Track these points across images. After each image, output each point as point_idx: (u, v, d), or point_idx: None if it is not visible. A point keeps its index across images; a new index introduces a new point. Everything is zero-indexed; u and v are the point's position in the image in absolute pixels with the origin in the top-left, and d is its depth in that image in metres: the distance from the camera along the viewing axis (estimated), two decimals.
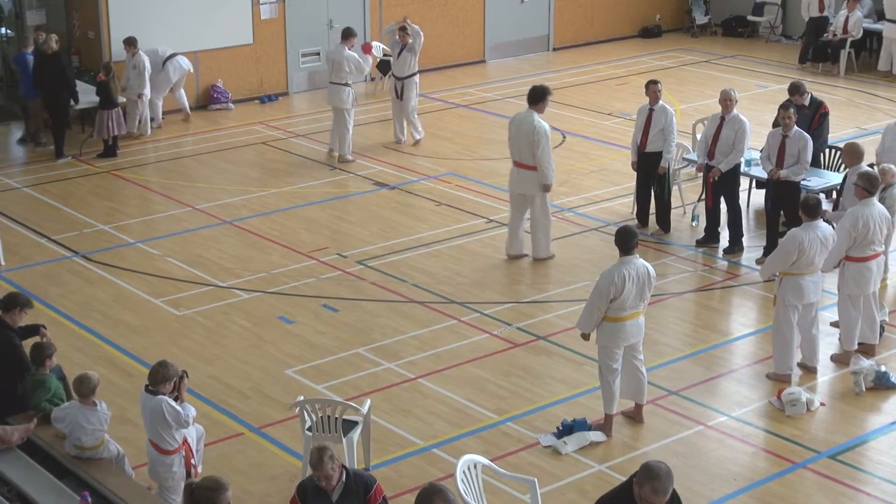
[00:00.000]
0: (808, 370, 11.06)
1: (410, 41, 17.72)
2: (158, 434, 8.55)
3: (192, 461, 8.85)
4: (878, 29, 22.47)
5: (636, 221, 14.48)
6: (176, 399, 8.57)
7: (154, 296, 12.86)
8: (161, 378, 8.52)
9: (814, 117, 14.59)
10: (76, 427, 8.54)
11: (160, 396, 8.48)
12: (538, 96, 13.37)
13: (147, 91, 18.33)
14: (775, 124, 14.02)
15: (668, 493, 6.44)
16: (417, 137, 18.04)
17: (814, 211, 10.64)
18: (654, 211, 14.44)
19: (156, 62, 18.80)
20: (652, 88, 14.12)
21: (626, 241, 9.81)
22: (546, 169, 13.32)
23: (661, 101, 14.13)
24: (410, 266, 13.55)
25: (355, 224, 14.92)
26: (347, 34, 17.26)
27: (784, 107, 13.36)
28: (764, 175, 13.63)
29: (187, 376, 8.80)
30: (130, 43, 18.30)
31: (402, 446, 9.93)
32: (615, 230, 10.18)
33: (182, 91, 19.45)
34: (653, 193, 14.34)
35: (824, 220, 10.88)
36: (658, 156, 14.11)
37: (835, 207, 12.81)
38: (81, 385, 8.59)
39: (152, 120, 19.16)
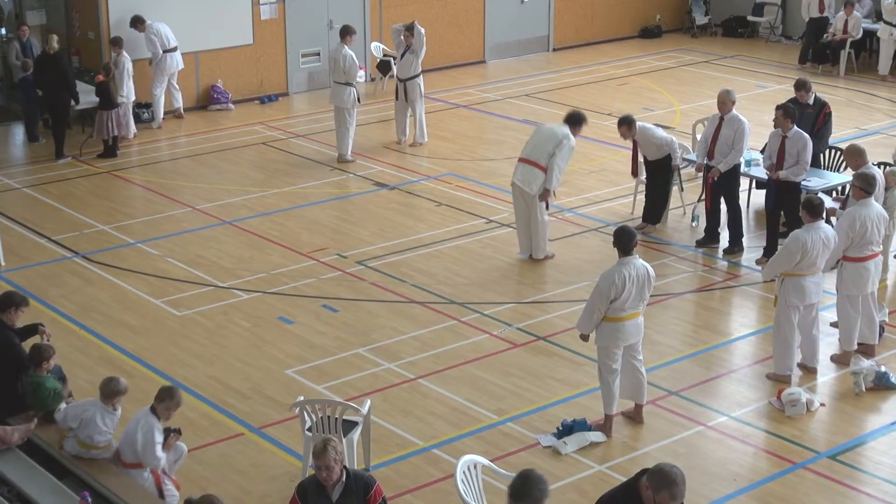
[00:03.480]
0: (808, 371, 11.05)
1: (414, 43, 17.72)
2: (127, 446, 8.41)
3: (163, 486, 8.61)
4: (878, 29, 22.46)
5: (641, 222, 14.50)
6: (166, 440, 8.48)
7: (154, 296, 12.86)
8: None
9: (818, 116, 14.60)
10: (90, 423, 8.41)
11: (152, 420, 8.35)
12: (576, 120, 13.54)
13: (128, 92, 18.26)
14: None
15: (684, 497, 6.41)
16: (421, 141, 18.03)
17: (816, 211, 10.62)
18: (646, 205, 14.46)
19: (163, 44, 18.83)
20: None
21: (625, 241, 9.79)
22: (554, 174, 13.33)
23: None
24: (410, 266, 13.55)
25: (355, 224, 14.92)
26: (345, 32, 17.26)
27: (777, 107, 13.36)
28: (764, 175, 13.63)
29: (180, 434, 8.69)
30: (116, 43, 18.28)
31: (402, 446, 9.92)
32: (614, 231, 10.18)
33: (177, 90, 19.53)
34: (652, 191, 14.37)
35: (828, 219, 10.86)
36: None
37: (842, 207, 12.78)
38: (108, 385, 8.50)
39: (152, 120, 19.19)
